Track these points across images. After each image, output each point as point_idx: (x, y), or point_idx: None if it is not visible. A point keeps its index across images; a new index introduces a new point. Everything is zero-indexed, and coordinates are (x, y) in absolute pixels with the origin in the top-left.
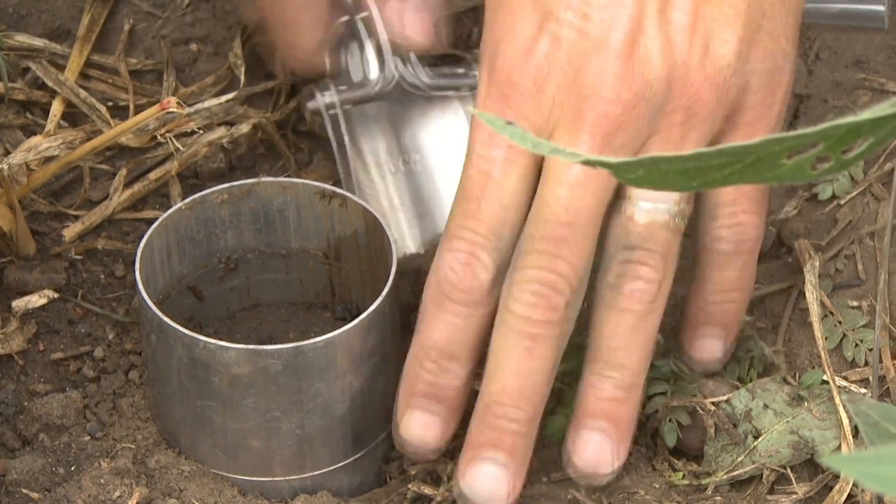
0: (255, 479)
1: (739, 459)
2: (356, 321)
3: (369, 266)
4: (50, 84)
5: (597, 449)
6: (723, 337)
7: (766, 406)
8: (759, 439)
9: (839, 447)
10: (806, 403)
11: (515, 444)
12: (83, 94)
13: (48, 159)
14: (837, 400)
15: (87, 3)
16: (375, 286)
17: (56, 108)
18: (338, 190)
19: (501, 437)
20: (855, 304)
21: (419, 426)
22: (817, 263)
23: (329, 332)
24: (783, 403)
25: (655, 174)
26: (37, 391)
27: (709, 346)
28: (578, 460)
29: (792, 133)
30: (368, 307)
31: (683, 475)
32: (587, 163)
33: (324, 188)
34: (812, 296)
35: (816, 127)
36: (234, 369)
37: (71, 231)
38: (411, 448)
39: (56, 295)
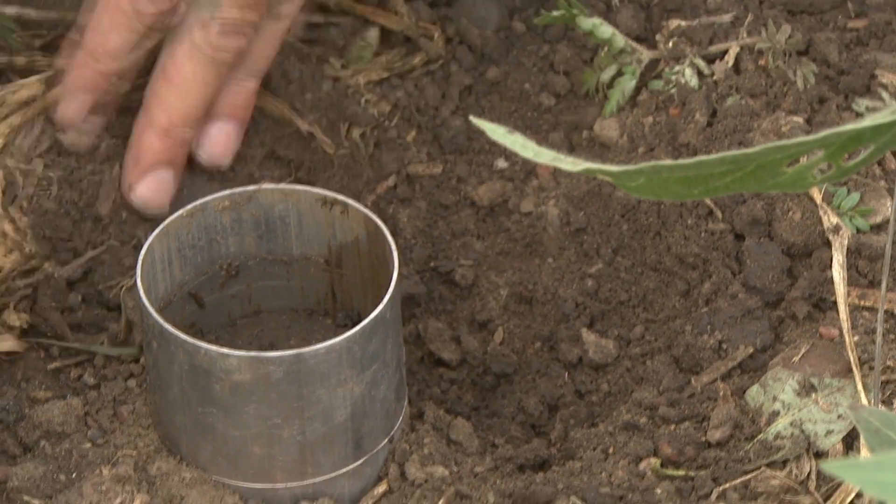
0: (257, 485)
1: (740, 454)
2: (358, 328)
3: (371, 272)
4: None
5: (226, 141)
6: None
7: (775, 398)
8: (761, 434)
9: (839, 441)
10: (814, 395)
11: (184, 156)
12: None
13: None
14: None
15: None
16: (377, 292)
17: None
18: (339, 196)
19: (174, 153)
20: None
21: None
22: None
23: (330, 338)
24: (792, 393)
25: (656, 182)
26: (38, 398)
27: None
28: (211, 152)
29: (793, 140)
30: (370, 313)
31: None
32: (587, 171)
33: (325, 195)
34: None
35: (818, 134)
36: (235, 376)
37: None
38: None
39: None
